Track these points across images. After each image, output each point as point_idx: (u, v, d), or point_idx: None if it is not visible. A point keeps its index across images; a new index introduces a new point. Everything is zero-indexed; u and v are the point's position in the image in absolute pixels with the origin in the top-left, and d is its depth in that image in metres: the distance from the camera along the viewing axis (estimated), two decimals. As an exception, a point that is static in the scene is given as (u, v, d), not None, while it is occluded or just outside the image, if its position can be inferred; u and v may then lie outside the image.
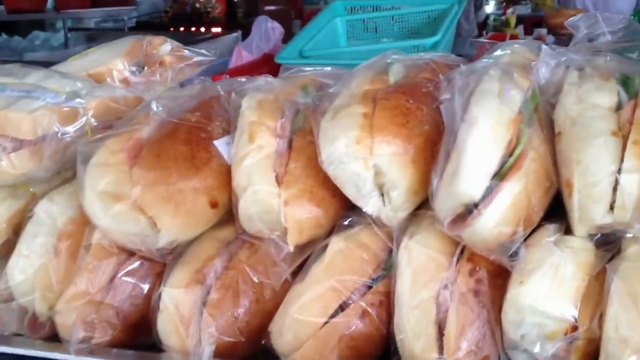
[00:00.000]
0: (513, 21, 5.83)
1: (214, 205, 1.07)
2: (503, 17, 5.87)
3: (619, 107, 1.03)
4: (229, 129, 1.14)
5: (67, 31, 6.78)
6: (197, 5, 6.99)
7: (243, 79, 1.32)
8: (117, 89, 1.38)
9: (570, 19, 1.25)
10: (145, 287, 1.07)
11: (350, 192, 1.03)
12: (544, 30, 5.94)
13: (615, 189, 0.95)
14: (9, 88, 1.26)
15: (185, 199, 1.04)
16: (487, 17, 6.40)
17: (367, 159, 1.01)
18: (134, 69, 1.48)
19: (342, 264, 1.02)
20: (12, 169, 1.17)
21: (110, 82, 1.44)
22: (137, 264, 1.07)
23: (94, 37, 6.45)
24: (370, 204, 1.03)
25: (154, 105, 1.19)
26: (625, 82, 1.07)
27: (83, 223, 1.13)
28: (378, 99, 1.06)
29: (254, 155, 1.04)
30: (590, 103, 1.02)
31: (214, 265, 1.02)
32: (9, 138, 1.18)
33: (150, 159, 1.06)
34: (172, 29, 6.46)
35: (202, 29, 6.16)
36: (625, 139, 0.98)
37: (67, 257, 1.12)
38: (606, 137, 0.99)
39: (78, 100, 1.23)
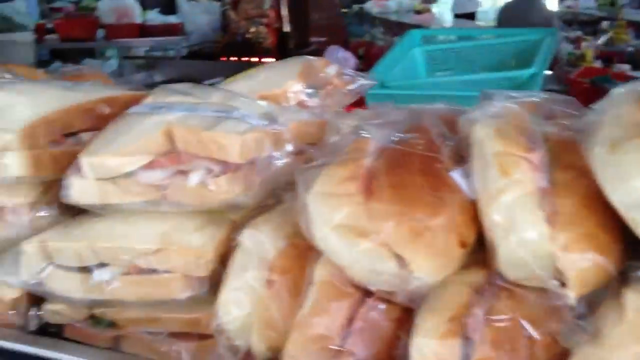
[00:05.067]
0: (590, 55, 5.54)
1: (463, 245, 0.95)
2: (577, 51, 5.60)
3: None
4: (457, 159, 1.04)
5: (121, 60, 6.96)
6: (249, 36, 6.97)
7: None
8: (302, 112, 1.29)
9: None
10: (385, 333, 0.95)
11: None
12: (626, 66, 5.50)
13: None
14: (201, 108, 1.16)
15: (436, 237, 0.92)
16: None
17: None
18: (309, 91, 1.39)
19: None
20: (220, 193, 1.07)
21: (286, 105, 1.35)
22: (377, 307, 0.95)
23: (147, 65, 6.56)
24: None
25: (365, 132, 1.09)
26: None
27: (295, 256, 1.03)
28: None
29: (512, 191, 0.92)
30: None
31: (474, 315, 0.89)
32: (214, 161, 1.08)
33: (389, 191, 0.95)
34: (223, 58, 6.48)
35: (254, 59, 6.14)
36: None
37: (285, 293, 1.01)
38: None
39: (281, 123, 1.14)
